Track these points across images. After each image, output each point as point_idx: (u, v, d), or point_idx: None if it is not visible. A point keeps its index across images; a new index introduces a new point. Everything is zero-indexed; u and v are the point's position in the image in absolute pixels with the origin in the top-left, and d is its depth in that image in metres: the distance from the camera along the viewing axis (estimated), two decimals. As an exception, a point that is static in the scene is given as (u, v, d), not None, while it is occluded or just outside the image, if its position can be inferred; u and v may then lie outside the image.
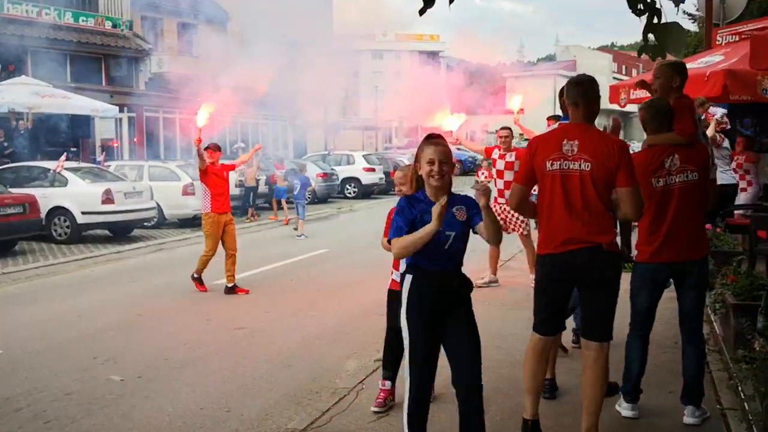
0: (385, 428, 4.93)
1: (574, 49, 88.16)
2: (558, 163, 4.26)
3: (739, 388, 4.95)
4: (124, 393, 5.80)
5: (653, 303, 4.83)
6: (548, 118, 11.21)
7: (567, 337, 5.93)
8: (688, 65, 11.40)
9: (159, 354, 6.84)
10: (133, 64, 27.92)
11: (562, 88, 5.23)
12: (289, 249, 13.74)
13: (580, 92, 4.37)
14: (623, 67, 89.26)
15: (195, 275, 9.77)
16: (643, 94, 11.80)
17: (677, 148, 4.71)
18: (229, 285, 9.63)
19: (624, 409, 4.91)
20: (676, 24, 3.46)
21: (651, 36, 3.55)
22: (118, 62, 27.35)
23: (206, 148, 9.70)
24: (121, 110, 23.67)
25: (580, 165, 4.21)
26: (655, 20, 3.52)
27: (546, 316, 4.38)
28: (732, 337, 5.83)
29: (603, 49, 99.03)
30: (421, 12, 4.40)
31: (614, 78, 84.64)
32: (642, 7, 3.56)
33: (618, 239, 4.56)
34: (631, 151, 4.44)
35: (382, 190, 27.92)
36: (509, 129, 10.17)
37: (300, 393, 5.74)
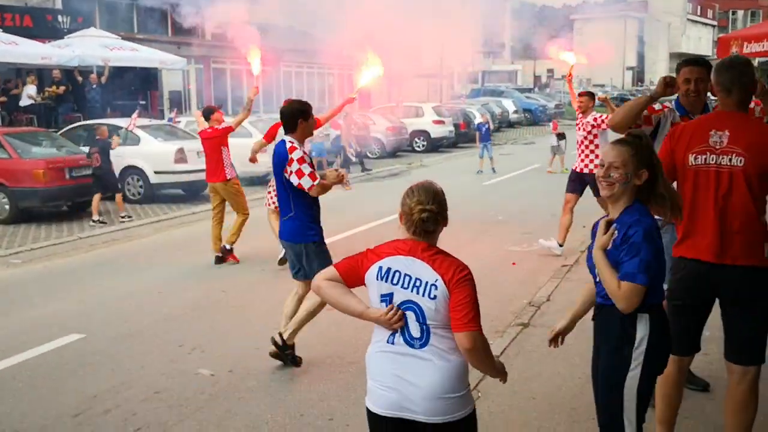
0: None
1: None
2: (703, 157, 3.62)
3: None
4: (216, 392, 5.36)
5: None
6: (579, 94, 9.69)
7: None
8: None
9: (249, 342, 6.39)
10: (199, 14, 27.43)
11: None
12: (364, 213, 13.18)
13: (735, 77, 3.70)
14: (698, 7, 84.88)
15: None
16: (760, 47, 10.75)
17: None
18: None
19: None
20: None
21: None
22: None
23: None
24: (188, 62, 23.30)
25: (730, 160, 3.57)
26: None
27: (680, 330, 3.66)
28: None
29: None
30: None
31: (688, 20, 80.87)
32: None
33: None
34: None
35: (451, 143, 27.08)
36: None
37: (407, 397, 5.21)
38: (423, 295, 2.77)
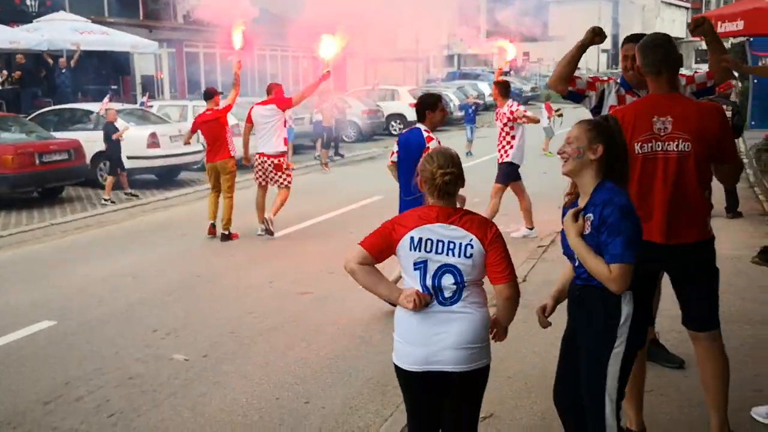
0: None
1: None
2: (649, 145, 3.61)
3: None
4: (191, 377, 5.30)
5: None
6: (494, 84, 9.60)
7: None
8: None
9: (224, 326, 6.34)
10: (170, -3, 27.04)
11: (623, 43, 4.53)
12: (341, 196, 13.12)
13: (663, 56, 3.66)
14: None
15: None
16: (734, 27, 10.78)
17: None
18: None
19: None
20: None
21: None
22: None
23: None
24: (160, 45, 22.96)
25: (678, 145, 3.57)
26: None
27: None
28: None
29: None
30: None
31: (662, 2, 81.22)
32: None
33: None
34: None
35: (428, 126, 26.97)
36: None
37: (384, 378, 5.16)
38: (459, 256, 2.95)
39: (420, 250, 2.97)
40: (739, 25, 10.33)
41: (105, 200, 12.52)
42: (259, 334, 6.14)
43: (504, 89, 9.16)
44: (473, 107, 20.00)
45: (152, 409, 4.79)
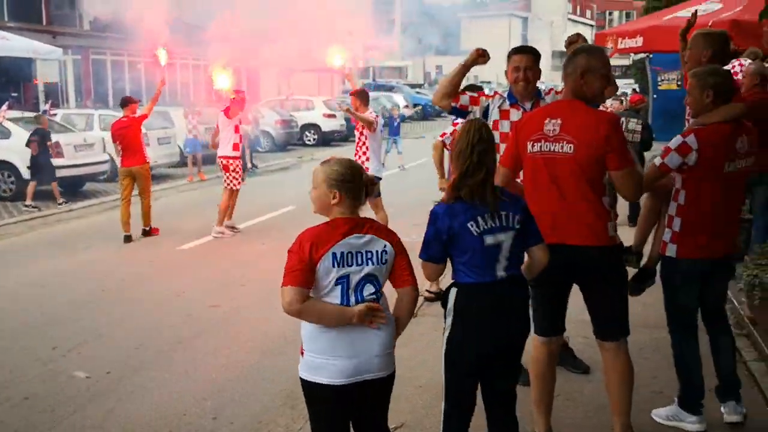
0: (400, 440, 4.35)
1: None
2: (539, 144, 3.72)
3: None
4: (93, 395, 5.09)
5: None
6: (350, 94, 9.21)
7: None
8: (680, 13, 10.75)
9: (129, 342, 6.11)
10: (75, 3, 26.13)
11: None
12: (252, 207, 12.89)
13: (564, 65, 3.84)
14: (578, 7, 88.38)
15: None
16: (633, 43, 11.21)
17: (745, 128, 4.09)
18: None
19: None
20: None
21: None
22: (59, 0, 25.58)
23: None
24: (65, 52, 22.17)
25: (562, 147, 3.66)
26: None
27: (543, 313, 3.89)
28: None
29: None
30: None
31: (569, 20, 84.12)
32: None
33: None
34: None
35: (343, 137, 27.01)
36: None
37: (294, 392, 5.07)
38: (377, 264, 3.00)
39: (343, 266, 2.94)
40: (639, 41, 10.74)
41: (26, 206, 12.36)
42: (166, 349, 5.96)
43: (364, 98, 8.85)
44: (398, 120, 19.96)
45: (50, 430, 4.57)
